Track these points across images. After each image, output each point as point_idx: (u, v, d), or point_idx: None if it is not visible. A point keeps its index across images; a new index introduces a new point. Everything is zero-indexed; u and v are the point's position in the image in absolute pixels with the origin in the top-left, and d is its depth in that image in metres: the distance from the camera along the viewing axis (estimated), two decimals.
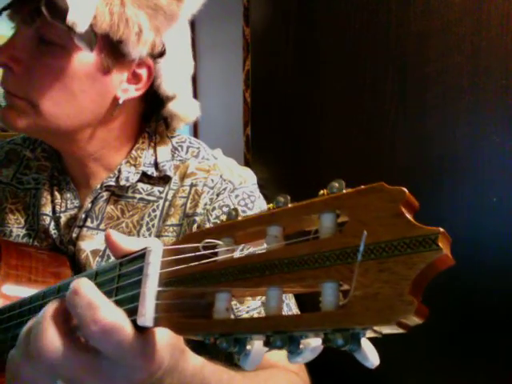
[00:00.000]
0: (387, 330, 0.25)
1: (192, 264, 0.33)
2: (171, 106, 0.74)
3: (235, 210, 0.33)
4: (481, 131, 1.12)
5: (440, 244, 0.23)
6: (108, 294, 0.38)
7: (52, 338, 0.35)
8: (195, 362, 0.46)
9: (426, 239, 0.24)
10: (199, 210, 0.69)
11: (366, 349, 0.26)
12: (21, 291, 0.61)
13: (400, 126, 1.26)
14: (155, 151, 0.73)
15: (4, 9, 0.59)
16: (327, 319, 0.25)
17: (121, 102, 0.70)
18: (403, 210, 0.26)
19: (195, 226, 0.69)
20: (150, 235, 0.70)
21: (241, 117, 1.66)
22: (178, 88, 0.73)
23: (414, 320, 0.24)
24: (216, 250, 0.33)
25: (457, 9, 1.14)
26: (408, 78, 1.24)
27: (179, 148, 0.76)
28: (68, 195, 0.72)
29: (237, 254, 0.33)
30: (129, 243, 0.41)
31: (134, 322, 0.35)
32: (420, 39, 1.20)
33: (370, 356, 0.26)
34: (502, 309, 1.11)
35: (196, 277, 0.33)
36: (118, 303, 0.37)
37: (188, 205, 0.70)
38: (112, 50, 0.65)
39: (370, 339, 0.27)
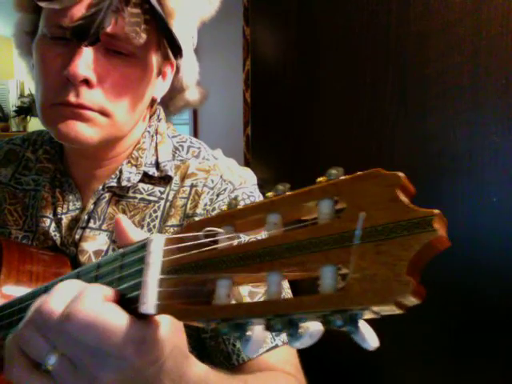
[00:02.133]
0: (385, 310, 0.25)
1: (193, 252, 0.34)
2: (187, 95, 0.78)
3: (235, 199, 0.34)
4: (481, 131, 1.12)
5: (435, 225, 0.24)
6: (110, 284, 0.39)
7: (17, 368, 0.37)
8: (199, 369, 0.45)
9: (421, 221, 0.24)
10: (199, 210, 0.69)
11: (364, 330, 0.26)
12: (22, 291, 0.61)
13: (400, 126, 1.26)
14: (156, 151, 0.74)
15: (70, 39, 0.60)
16: (326, 301, 0.26)
17: (158, 100, 0.74)
18: (399, 194, 0.26)
19: None
20: None
21: (241, 117, 1.66)
22: (193, 79, 0.76)
23: (412, 300, 0.24)
24: (217, 238, 0.34)
25: (457, 9, 1.15)
26: (408, 78, 1.24)
27: (180, 148, 0.76)
28: (70, 197, 0.72)
29: (238, 241, 0.33)
30: (135, 233, 0.41)
31: (135, 310, 0.35)
32: (420, 39, 1.21)
33: (368, 337, 0.27)
34: (502, 308, 1.11)
35: (197, 264, 0.33)
36: (123, 292, 0.37)
37: (188, 205, 0.70)
38: (165, 52, 0.69)
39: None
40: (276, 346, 0.65)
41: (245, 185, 0.73)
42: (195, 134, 1.97)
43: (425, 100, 1.21)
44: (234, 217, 0.33)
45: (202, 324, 0.32)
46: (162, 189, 0.72)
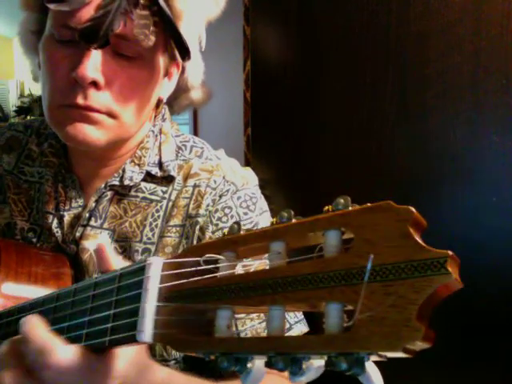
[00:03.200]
0: (392, 354, 0.24)
1: (192, 279, 0.33)
2: (191, 95, 0.79)
3: (237, 223, 0.33)
4: (481, 131, 1.13)
5: (449, 268, 0.23)
6: (107, 306, 0.39)
7: (9, 381, 0.38)
8: (162, 374, 0.48)
9: (434, 262, 0.23)
10: (202, 211, 0.69)
11: (371, 372, 0.25)
12: (20, 292, 0.61)
13: (400, 126, 1.26)
14: (160, 151, 0.74)
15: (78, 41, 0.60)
16: (331, 343, 0.25)
17: (165, 100, 0.74)
18: (411, 230, 0.25)
19: (198, 227, 0.69)
20: (153, 235, 0.70)
21: (241, 117, 1.66)
22: (199, 79, 0.77)
23: (421, 346, 0.23)
24: (218, 265, 0.33)
25: (457, 9, 1.15)
26: (408, 78, 1.24)
27: (183, 147, 0.76)
28: (73, 194, 0.72)
29: (239, 269, 0.32)
30: (117, 262, 0.43)
31: (133, 338, 0.35)
32: (420, 39, 1.21)
33: (374, 379, 0.26)
34: (502, 309, 1.11)
35: (196, 292, 0.32)
36: (117, 316, 0.37)
37: (191, 205, 0.70)
38: (172, 53, 0.68)
39: None
40: None
41: (247, 186, 0.73)
42: (195, 133, 1.97)
43: (425, 100, 1.21)
44: (235, 243, 0.32)
45: (201, 356, 0.31)
46: (164, 188, 0.72)
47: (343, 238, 0.27)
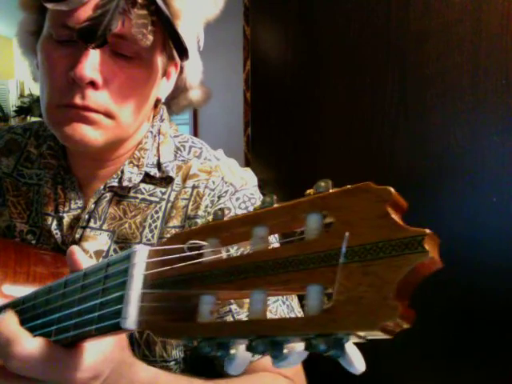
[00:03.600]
0: (372, 335, 0.24)
1: (176, 266, 0.33)
2: (190, 95, 0.78)
3: (221, 210, 0.33)
4: (481, 131, 1.13)
5: (426, 246, 0.22)
6: (95, 294, 0.39)
7: None
8: (148, 373, 0.49)
9: (411, 241, 0.23)
10: (200, 212, 0.69)
11: (351, 354, 0.25)
12: (19, 291, 0.61)
13: (400, 126, 1.26)
14: (158, 151, 0.73)
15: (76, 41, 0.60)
16: (310, 324, 0.25)
17: (163, 100, 0.73)
18: (389, 210, 0.24)
19: None
20: (152, 237, 0.69)
21: (242, 117, 1.66)
22: (197, 79, 0.77)
23: (400, 325, 0.23)
24: (201, 252, 0.33)
25: (457, 9, 1.15)
26: (408, 78, 1.24)
27: (182, 148, 0.75)
28: (72, 195, 0.72)
29: (223, 255, 0.32)
30: (88, 263, 0.44)
31: (117, 325, 0.35)
32: (420, 39, 1.21)
33: (355, 362, 0.25)
34: (502, 308, 1.11)
35: (180, 279, 0.32)
36: (104, 305, 0.38)
37: (190, 207, 0.69)
38: (170, 53, 0.68)
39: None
40: None
41: (246, 186, 0.72)
42: (195, 134, 1.97)
43: (425, 100, 1.21)
44: (219, 229, 0.32)
45: (185, 342, 0.31)
46: (163, 189, 0.71)
47: (325, 222, 0.27)
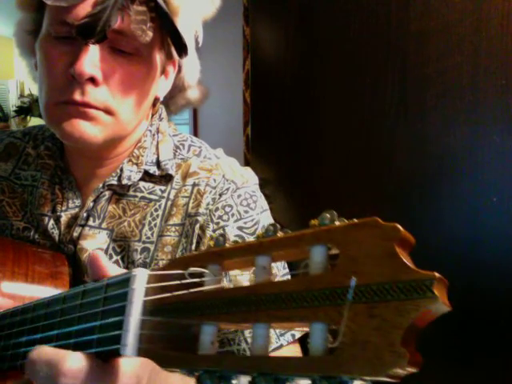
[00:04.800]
0: (376, 379, 0.23)
1: (177, 293, 0.32)
2: (188, 94, 0.78)
3: (223, 236, 0.32)
4: (481, 131, 1.13)
5: (435, 291, 0.22)
6: (94, 315, 0.39)
7: None
8: (175, 378, 0.48)
9: (420, 285, 0.22)
10: (201, 209, 0.69)
11: None
12: (17, 291, 0.61)
13: (400, 126, 1.26)
14: (157, 150, 0.73)
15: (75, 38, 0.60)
16: (314, 365, 0.24)
17: (161, 99, 0.73)
18: (397, 249, 0.24)
19: (198, 226, 0.68)
20: (152, 235, 0.69)
21: (241, 117, 1.66)
22: (195, 78, 0.77)
23: (406, 371, 0.22)
24: (203, 279, 0.33)
25: (457, 9, 1.15)
26: (408, 78, 1.24)
27: (181, 146, 0.75)
28: (70, 194, 0.72)
29: (224, 282, 0.32)
30: (113, 269, 0.42)
31: (116, 351, 0.35)
32: (420, 39, 1.21)
33: None
34: (502, 308, 1.11)
35: (181, 307, 0.32)
36: (103, 328, 0.37)
37: (190, 204, 0.69)
38: (169, 51, 0.68)
39: None
40: (281, 346, 0.65)
41: (247, 184, 0.73)
42: (195, 133, 1.97)
43: (425, 100, 1.21)
44: (221, 256, 0.32)
45: (185, 373, 0.31)
46: (162, 187, 0.71)
47: (330, 254, 0.27)
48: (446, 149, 1.18)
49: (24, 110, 4.37)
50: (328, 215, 0.27)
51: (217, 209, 0.69)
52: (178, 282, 0.33)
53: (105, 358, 0.38)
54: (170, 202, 0.70)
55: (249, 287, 0.29)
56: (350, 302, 0.24)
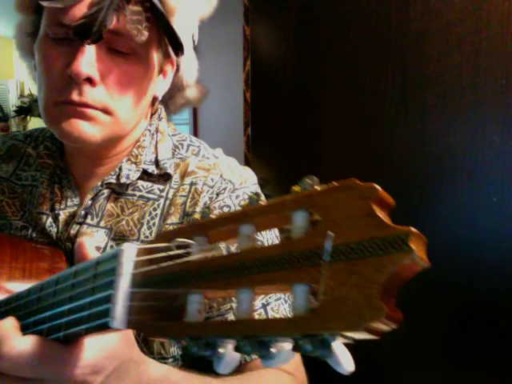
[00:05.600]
0: (357, 335, 0.24)
1: (164, 265, 0.33)
2: (187, 93, 0.79)
3: (208, 208, 0.33)
4: (481, 131, 1.13)
5: (411, 245, 0.22)
6: (85, 293, 0.39)
7: None
8: (158, 370, 0.48)
9: (396, 240, 0.22)
10: (199, 209, 0.68)
11: (339, 354, 0.25)
12: (15, 287, 0.61)
13: (400, 126, 1.26)
14: (156, 149, 0.74)
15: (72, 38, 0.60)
16: (294, 325, 0.24)
17: (160, 98, 0.74)
18: (374, 208, 0.24)
19: None
20: (150, 234, 0.69)
21: (241, 117, 1.66)
22: (193, 77, 0.77)
23: (385, 326, 0.22)
24: (189, 250, 0.33)
25: (457, 9, 1.15)
26: (408, 78, 1.24)
27: (180, 146, 0.76)
28: (69, 193, 0.72)
29: (210, 254, 0.32)
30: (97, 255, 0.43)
31: (106, 325, 0.35)
32: (420, 39, 1.21)
33: (343, 362, 0.25)
34: (502, 308, 1.11)
35: (168, 278, 0.32)
36: (93, 303, 0.38)
37: (188, 204, 0.69)
38: (166, 50, 0.69)
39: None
40: None
41: (245, 184, 0.73)
42: (195, 133, 1.97)
43: (425, 100, 1.21)
44: (206, 227, 0.32)
45: (172, 341, 0.31)
46: (161, 186, 0.71)
47: (312, 220, 0.27)
48: (446, 149, 1.18)
49: (24, 110, 4.37)
50: (308, 180, 0.28)
51: (214, 208, 0.69)
52: (165, 254, 0.34)
53: (66, 342, 0.39)
54: (168, 201, 0.70)
55: (232, 254, 0.29)
56: (327, 260, 0.24)
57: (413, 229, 0.22)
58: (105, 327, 0.35)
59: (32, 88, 4.38)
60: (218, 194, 0.69)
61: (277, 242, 0.70)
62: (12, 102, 4.72)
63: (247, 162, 1.65)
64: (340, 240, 0.24)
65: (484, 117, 1.12)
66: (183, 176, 0.72)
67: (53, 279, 0.44)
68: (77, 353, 0.40)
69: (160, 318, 0.33)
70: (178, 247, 0.33)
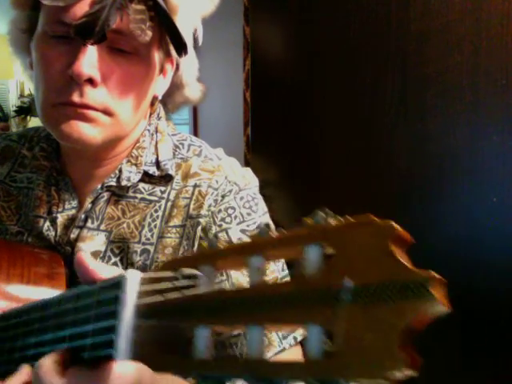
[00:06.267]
0: (374, 382, 0.23)
1: (170, 296, 0.32)
2: (186, 92, 0.77)
3: (216, 236, 0.32)
4: (481, 131, 1.12)
5: (433, 291, 0.21)
6: (88, 319, 0.38)
7: None
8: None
9: (417, 285, 0.22)
10: (203, 211, 0.68)
11: None
12: (13, 292, 0.60)
13: (400, 126, 1.26)
14: (156, 150, 0.72)
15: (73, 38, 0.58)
16: (310, 369, 0.24)
17: (160, 98, 0.72)
18: (393, 248, 0.23)
19: (199, 228, 0.67)
20: (152, 236, 0.68)
21: (241, 117, 1.66)
22: (193, 76, 0.76)
23: (404, 374, 0.21)
24: (196, 280, 0.32)
25: (457, 9, 1.14)
26: (408, 78, 1.24)
27: (180, 146, 0.74)
28: (66, 196, 0.71)
29: (217, 286, 0.32)
30: (102, 269, 0.41)
31: (110, 356, 0.34)
32: (420, 39, 1.21)
33: None
34: (502, 308, 1.11)
35: (174, 310, 0.31)
36: (96, 332, 0.37)
37: (191, 206, 0.68)
38: (167, 49, 0.68)
39: None
40: (283, 350, 0.64)
41: (249, 186, 0.72)
42: (195, 133, 1.97)
43: (425, 100, 1.21)
44: (213, 257, 0.31)
45: (180, 376, 0.31)
46: (162, 188, 0.70)
47: (325, 253, 0.26)
48: (446, 149, 1.18)
49: (24, 110, 4.38)
50: (322, 213, 0.27)
51: (219, 211, 0.68)
52: (170, 283, 0.33)
53: (96, 364, 0.37)
54: (170, 203, 0.69)
55: (243, 289, 0.28)
56: (345, 302, 0.23)
57: (433, 273, 0.22)
58: (108, 358, 0.35)
59: (32, 87, 4.38)
60: (223, 196, 0.69)
61: (284, 272, 0.69)
62: (12, 101, 4.72)
63: (247, 162, 1.65)
64: (356, 280, 0.23)
65: (484, 117, 1.12)
66: (185, 177, 0.71)
67: (55, 299, 0.43)
68: (111, 371, 0.38)
69: (166, 351, 0.32)
70: (184, 277, 0.33)
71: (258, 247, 0.29)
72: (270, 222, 0.74)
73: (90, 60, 0.59)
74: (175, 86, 0.76)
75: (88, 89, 0.60)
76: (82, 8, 0.58)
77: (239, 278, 0.64)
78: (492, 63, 1.10)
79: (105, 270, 0.41)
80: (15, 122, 4.58)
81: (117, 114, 0.63)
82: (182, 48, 0.63)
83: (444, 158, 1.18)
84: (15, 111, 4.46)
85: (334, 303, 0.24)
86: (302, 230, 0.27)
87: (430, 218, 1.20)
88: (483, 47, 1.11)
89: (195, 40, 0.73)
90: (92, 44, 0.59)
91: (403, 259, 0.23)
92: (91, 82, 0.60)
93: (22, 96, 4.64)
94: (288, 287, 0.26)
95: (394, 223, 0.24)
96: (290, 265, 0.69)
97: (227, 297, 0.29)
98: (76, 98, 0.60)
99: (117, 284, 0.36)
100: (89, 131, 0.62)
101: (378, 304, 0.22)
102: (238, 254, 0.30)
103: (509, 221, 1.09)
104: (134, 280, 0.35)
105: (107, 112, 0.62)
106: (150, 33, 0.60)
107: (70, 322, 0.40)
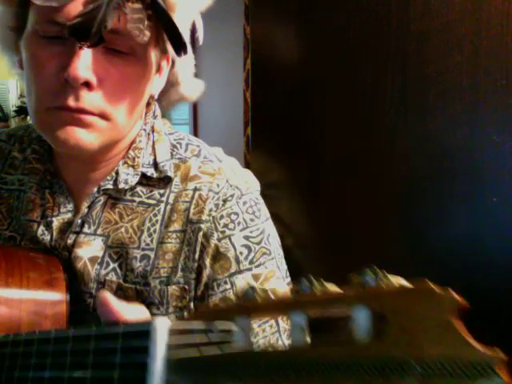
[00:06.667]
0: None
1: (206, 351, 0.30)
2: (181, 89, 0.74)
3: (253, 288, 0.29)
4: (481, 131, 1.12)
5: (500, 373, 0.20)
6: (111, 365, 0.35)
7: None
8: None
9: (483, 365, 0.20)
10: (204, 216, 0.65)
11: None
12: (13, 301, 0.58)
13: (400, 126, 1.26)
14: (154, 150, 0.70)
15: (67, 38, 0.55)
16: None
17: (156, 97, 0.70)
18: (455, 322, 0.22)
19: (201, 233, 0.65)
20: (151, 241, 0.66)
21: (241, 116, 1.66)
22: (189, 72, 0.73)
23: None
24: (230, 334, 0.30)
25: (457, 9, 1.14)
26: (408, 78, 1.24)
27: (178, 145, 0.72)
28: (61, 199, 0.68)
29: (254, 341, 0.30)
30: (127, 311, 0.38)
31: None
32: (420, 39, 1.20)
33: None
34: (502, 308, 1.11)
35: (207, 365, 0.29)
36: (122, 381, 0.34)
37: (191, 210, 0.66)
38: (163, 47, 0.65)
39: None
40: None
41: (251, 190, 0.70)
42: (195, 133, 1.96)
43: (425, 100, 1.21)
44: (251, 310, 0.29)
45: None
46: (161, 191, 0.68)
47: (375, 318, 0.24)
48: (445, 149, 1.18)
49: (24, 110, 4.37)
50: (372, 274, 0.25)
51: (221, 216, 0.66)
52: (204, 337, 0.31)
53: None
54: (169, 207, 0.67)
55: (286, 351, 0.26)
56: (404, 376, 0.22)
57: (499, 352, 0.21)
58: None
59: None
60: (224, 201, 0.67)
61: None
62: (12, 101, 4.71)
63: (247, 162, 1.64)
64: (413, 352, 0.22)
65: (484, 117, 1.11)
66: (185, 180, 0.68)
67: (66, 334, 0.40)
68: None
69: None
70: (218, 330, 0.31)
71: (301, 303, 0.27)
72: (273, 228, 0.72)
73: (85, 62, 0.56)
74: (170, 84, 0.73)
75: (84, 92, 0.57)
76: (76, 7, 0.55)
77: (244, 287, 0.63)
78: (492, 63, 1.10)
79: (130, 311, 0.38)
80: (15, 121, 4.57)
81: (114, 117, 0.61)
82: (181, 48, 0.61)
83: (444, 158, 1.18)
84: (15, 111, 4.45)
85: (388, 375, 0.22)
86: (351, 292, 0.25)
87: (430, 217, 1.20)
88: (483, 47, 1.11)
89: (196, 40, 0.71)
90: (89, 47, 0.56)
91: (465, 334, 0.22)
92: (87, 85, 0.57)
93: (22, 96, 4.63)
94: (336, 352, 0.24)
95: (454, 294, 0.22)
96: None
97: (267, 357, 0.27)
98: (71, 102, 0.57)
99: (145, 332, 0.33)
100: (85, 137, 0.59)
101: (438, 380, 0.21)
102: (279, 309, 0.28)
103: (509, 221, 1.09)
104: (163, 330, 0.32)
105: (104, 116, 0.60)
106: (148, 33, 0.57)
107: (90, 363, 0.37)
